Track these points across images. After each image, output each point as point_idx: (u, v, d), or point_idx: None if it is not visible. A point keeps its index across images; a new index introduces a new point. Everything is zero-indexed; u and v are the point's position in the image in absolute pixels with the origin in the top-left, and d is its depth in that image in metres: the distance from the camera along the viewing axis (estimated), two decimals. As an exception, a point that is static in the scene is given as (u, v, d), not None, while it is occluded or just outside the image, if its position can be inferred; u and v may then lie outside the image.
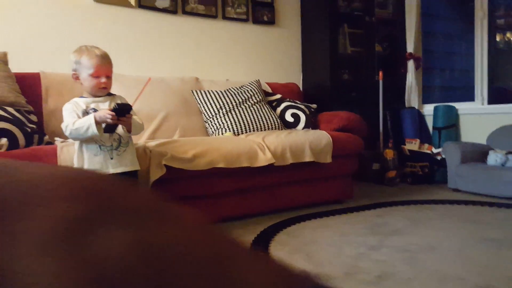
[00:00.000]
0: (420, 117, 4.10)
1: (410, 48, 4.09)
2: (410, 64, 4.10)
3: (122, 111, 1.59)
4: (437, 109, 3.88)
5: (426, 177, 3.51)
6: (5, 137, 1.85)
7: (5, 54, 2.29)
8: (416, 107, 4.13)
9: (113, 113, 1.56)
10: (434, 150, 3.66)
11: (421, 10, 4.11)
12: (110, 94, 1.79)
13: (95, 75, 1.67)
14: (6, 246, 0.24)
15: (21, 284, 0.23)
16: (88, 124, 1.58)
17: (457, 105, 3.85)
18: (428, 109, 4.10)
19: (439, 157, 3.60)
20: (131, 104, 1.67)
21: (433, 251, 1.77)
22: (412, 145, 3.74)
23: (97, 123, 1.58)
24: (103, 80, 1.69)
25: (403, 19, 4.11)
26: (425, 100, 4.29)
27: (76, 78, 1.71)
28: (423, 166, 3.55)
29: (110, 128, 1.62)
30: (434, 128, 3.91)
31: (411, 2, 4.06)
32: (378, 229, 2.13)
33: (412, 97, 4.16)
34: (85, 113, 1.69)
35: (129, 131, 1.71)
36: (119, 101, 1.77)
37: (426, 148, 3.71)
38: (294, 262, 1.65)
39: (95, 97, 1.74)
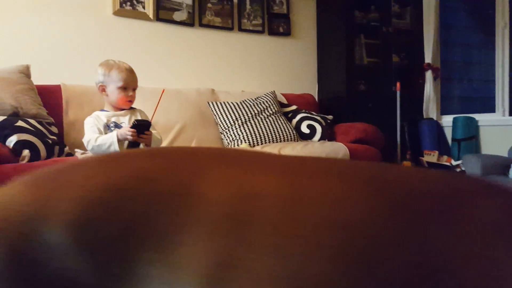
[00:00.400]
0: (439, 128, 4.04)
1: (428, 58, 4.05)
2: (428, 75, 4.05)
3: (142, 127, 1.63)
4: (456, 120, 3.81)
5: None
6: (27, 148, 1.91)
7: (27, 67, 2.37)
8: (435, 118, 4.07)
9: (134, 130, 1.60)
10: (454, 163, 3.60)
11: (439, 20, 4.07)
12: (130, 108, 1.84)
13: (123, 88, 1.73)
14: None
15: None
16: (110, 142, 1.63)
17: (477, 116, 3.78)
18: (447, 120, 4.03)
19: (458, 170, 3.53)
20: (149, 118, 1.71)
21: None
22: (431, 157, 3.68)
23: (119, 140, 1.62)
24: (130, 93, 1.76)
25: (421, 29, 4.08)
26: (444, 111, 4.23)
27: (103, 90, 1.76)
28: (442, 178, 3.49)
29: (131, 147, 1.66)
30: (453, 139, 3.84)
31: (429, 12, 4.03)
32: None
33: (430, 108, 4.11)
34: (106, 126, 1.73)
35: (148, 146, 1.75)
36: (139, 116, 1.81)
37: (445, 160, 3.65)
38: None
39: (116, 111, 1.78)
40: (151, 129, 1.79)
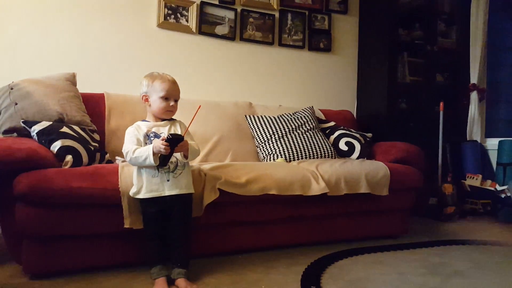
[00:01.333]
0: (483, 151, 3.86)
1: (473, 79, 3.90)
2: (473, 96, 3.90)
3: (175, 141, 1.66)
4: (502, 144, 3.63)
5: (488, 215, 3.27)
6: (70, 154, 1.95)
7: (74, 76, 2.44)
8: (479, 141, 3.90)
9: (167, 144, 1.63)
10: (498, 188, 3.42)
11: (487, 40, 3.92)
12: (171, 119, 1.86)
13: (165, 98, 1.76)
14: None
15: None
16: (146, 155, 1.66)
17: (525, 140, 3.59)
18: (492, 144, 3.85)
19: (503, 195, 3.35)
20: (183, 132, 1.77)
21: (502, 301, 1.62)
22: (474, 180, 3.51)
23: (154, 154, 1.65)
24: (172, 103, 1.79)
25: (467, 49, 3.94)
26: (489, 134, 4.04)
27: (146, 100, 1.82)
28: (485, 204, 3.32)
29: (164, 161, 1.69)
30: (498, 164, 3.66)
31: (477, 31, 3.89)
32: (437, 269, 1.99)
33: (475, 130, 3.94)
34: (146, 136, 1.76)
35: (186, 156, 1.75)
36: (178, 127, 1.84)
37: (489, 185, 3.46)
38: (347, 300, 1.57)
39: (157, 121, 1.81)
40: (189, 139, 1.80)
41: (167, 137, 1.65)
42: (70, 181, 1.72)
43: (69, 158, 1.93)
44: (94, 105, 2.51)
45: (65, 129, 2.05)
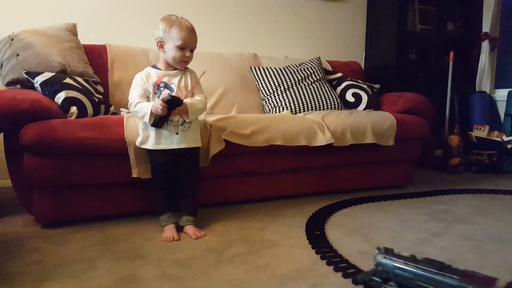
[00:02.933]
0: (492, 102, 3.80)
1: (486, 27, 3.77)
2: (485, 45, 3.78)
3: (174, 103, 1.63)
4: (511, 94, 3.57)
5: (493, 166, 3.28)
6: (75, 105, 1.94)
7: (74, 26, 2.38)
8: (488, 92, 3.83)
9: (165, 105, 1.61)
10: (505, 138, 3.39)
11: (502, -15, 3.75)
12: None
13: (182, 47, 1.69)
14: None
15: None
16: (144, 112, 1.65)
17: (535, 91, 3.53)
18: (501, 95, 3.79)
19: (509, 146, 3.33)
20: (184, 96, 1.72)
21: (501, 242, 1.65)
22: (481, 131, 3.48)
23: (152, 113, 1.63)
24: (188, 54, 1.72)
25: (480, -4, 3.78)
26: (498, 84, 3.96)
27: (161, 46, 1.72)
28: (491, 155, 3.31)
29: (159, 122, 1.66)
30: (506, 114, 3.61)
31: (491, -24, 3.71)
32: (440, 216, 2.02)
33: (484, 81, 3.86)
34: (156, 86, 1.72)
35: (186, 115, 1.72)
36: (189, 77, 1.78)
37: (496, 136, 3.44)
38: (351, 243, 1.61)
39: (169, 70, 1.76)
40: (197, 95, 1.78)
41: (166, 98, 1.62)
42: (76, 131, 1.72)
43: (74, 109, 1.93)
44: (96, 57, 2.47)
45: (68, 80, 2.03)
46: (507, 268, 1.40)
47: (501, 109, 3.73)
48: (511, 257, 1.50)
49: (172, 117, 1.69)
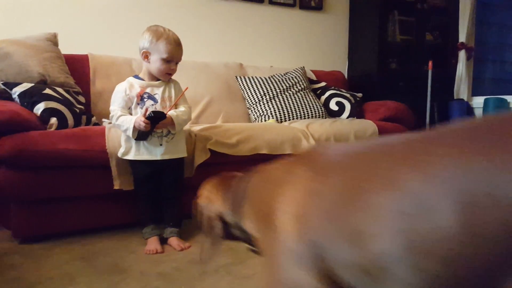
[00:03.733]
0: (469, 109, 3.89)
1: (462, 37, 3.87)
2: (462, 55, 3.89)
3: (156, 119, 1.61)
4: (487, 102, 3.67)
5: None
6: (55, 116, 1.89)
7: (55, 36, 2.34)
8: (465, 99, 3.93)
9: (148, 122, 1.58)
10: (484, 145, 3.47)
11: (476, -2, 3.87)
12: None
13: (168, 60, 1.67)
14: None
15: None
16: (127, 127, 1.62)
17: (509, 98, 3.63)
18: (478, 102, 3.89)
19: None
20: (168, 108, 1.69)
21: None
22: (460, 139, 3.55)
23: (135, 128, 1.60)
24: (173, 67, 1.70)
25: (456, 8, 3.89)
26: (475, 92, 4.07)
27: (146, 56, 1.69)
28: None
29: (142, 136, 1.64)
30: (484, 122, 3.70)
31: (466, -12, 3.83)
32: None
33: (462, 89, 3.96)
34: (139, 97, 1.68)
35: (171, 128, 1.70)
36: (173, 88, 1.76)
37: (475, 143, 3.51)
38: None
39: (152, 80, 1.73)
40: (182, 106, 1.75)
41: (148, 114, 1.59)
42: (55, 143, 1.67)
43: (53, 120, 1.88)
44: (77, 66, 2.43)
45: (48, 91, 1.98)
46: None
47: (478, 115, 3.82)
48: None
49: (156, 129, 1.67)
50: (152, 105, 1.68)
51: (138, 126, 1.59)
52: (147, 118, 1.58)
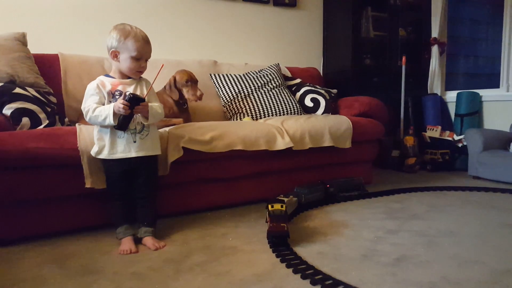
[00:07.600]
0: (443, 103, 3.99)
1: (435, 33, 3.96)
2: (434, 50, 3.98)
3: (135, 101, 1.60)
4: (460, 96, 3.76)
5: (446, 164, 3.43)
6: (27, 116, 1.86)
7: (24, 35, 2.29)
8: (439, 94, 4.02)
9: (127, 104, 1.57)
10: (456, 137, 3.56)
11: (447, -7, 3.96)
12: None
13: (137, 58, 1.66)
14: None
15: None
16: (106, 114, 1.59)
17: (481, 92, 3.73)
18: (451, 96, 3.98)
19: (460, 144, 3.50)
20: (145, 93, 1.69)
21: (452, 236, 1.73)
22: (433, 132, 3.64)
23: (115, 113, 1.58)
24: (143, 64, 1.70)
25: (429, 3, 3.98)
26: (448, 86, 4.17)
27: (115, 56, 1.68)
28: (444, 153, 3.47)
29: (123, 123, 1.62)
30: (456, 115, 3.80)
31: (437, -15, 3.91)
32: (396, 214, 2.09)
33: (435, 84, 4.05)
34: (111, 94, 1.67)
35: (146, 118, 1.69)
36: (144, 85, 1.75)
37: (448, 135, 3.61)
38: (311, 245, 1.63)
39: (123, 78, 1.72)
40: (153, 102, 1.74)
41: (127, 96, 1.59)
42: (25, 142, 1.64)
43: (25, 120, 1.86)
44: (48, 66, 2.39)
45: (18, 90, 1.95)
46: (457, 260, 1.46)
47: (452, 110, 3.92)
48: (462, 249, 1.57)
49: (129, 125, 1.66)
50: (130, 92, 1.67)
51: (117, 110, 1.57)
52: (126, 100, 1.57)
